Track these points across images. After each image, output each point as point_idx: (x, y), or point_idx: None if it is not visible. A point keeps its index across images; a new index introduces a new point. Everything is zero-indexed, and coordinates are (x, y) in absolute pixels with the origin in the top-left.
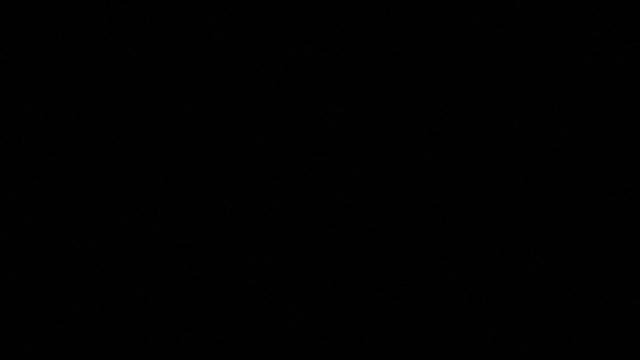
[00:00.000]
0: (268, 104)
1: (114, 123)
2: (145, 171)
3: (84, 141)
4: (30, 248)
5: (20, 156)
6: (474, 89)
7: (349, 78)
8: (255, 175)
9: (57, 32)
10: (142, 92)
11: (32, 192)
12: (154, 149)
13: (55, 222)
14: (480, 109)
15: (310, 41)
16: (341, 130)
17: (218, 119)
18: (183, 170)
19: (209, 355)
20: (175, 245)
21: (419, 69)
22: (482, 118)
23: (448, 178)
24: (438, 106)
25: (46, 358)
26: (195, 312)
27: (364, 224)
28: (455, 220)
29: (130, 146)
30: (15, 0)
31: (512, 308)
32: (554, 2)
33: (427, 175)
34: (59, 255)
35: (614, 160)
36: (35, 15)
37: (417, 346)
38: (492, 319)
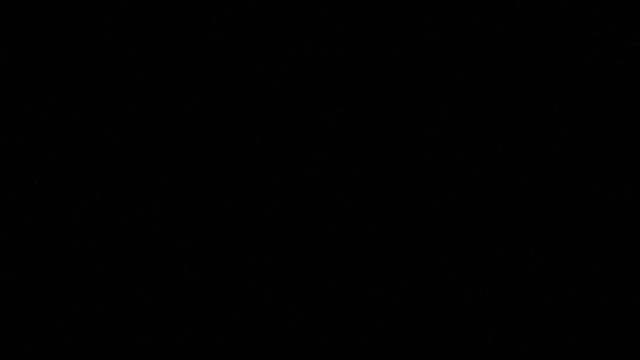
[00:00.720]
0: (268, 104)
1: (114, 123)
2: (145, 171)
3: (84, 141)
4: (30, 248)
5: (20, 156)
6: (474, 89)
7: (349, 78)
8: (255, 175)
9: (57, 32)
10: (142, 92)
11: (32, 192)
12: (154, 149)
13: (55, 222)
14: (480, 109)
15: (310, 41)
16: (341, 130)
17: (218, 119)
18: (183, 170)
19: (209, 355)
20: (175, 245)
21: (419, 69)
22: (482, 118)
23: (448, 178)
24: (438, 106)
25: (46, 358)
26: (195, 312)
27: (364, 224)
28: (455, 220)
29: (130, 146)
30: (15, 0)
31: (512, 308)
32: (554, 2)
33: (427, 175)
34: (59, 255)
35: (614, 160)
36: (35, 15)
37: (417, 346)
38: (492, 319)
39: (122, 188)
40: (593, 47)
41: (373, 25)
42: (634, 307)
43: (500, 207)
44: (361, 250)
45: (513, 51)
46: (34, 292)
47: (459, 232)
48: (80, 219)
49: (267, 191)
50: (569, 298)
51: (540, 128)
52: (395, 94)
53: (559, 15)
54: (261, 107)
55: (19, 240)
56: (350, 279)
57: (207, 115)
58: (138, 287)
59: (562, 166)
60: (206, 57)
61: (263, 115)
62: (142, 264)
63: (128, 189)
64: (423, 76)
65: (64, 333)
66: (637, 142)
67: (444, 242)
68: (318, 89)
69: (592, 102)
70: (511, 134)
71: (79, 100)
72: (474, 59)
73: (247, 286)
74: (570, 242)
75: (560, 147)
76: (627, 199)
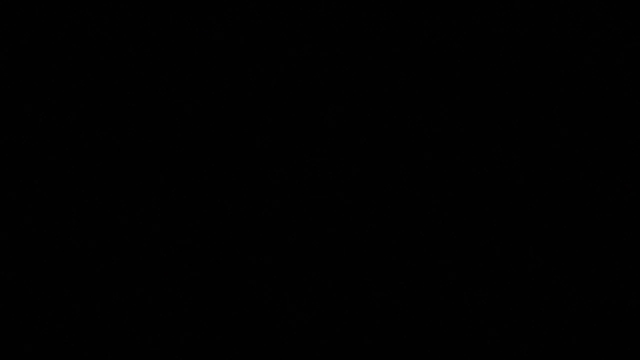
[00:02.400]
0: (268, 104)
1: (114, 123)
2: (145, 171)
3: (84, 141)
4: (30, 248)
5: (20, 156)
6: (474, 89)
7: (349, 78)
8: (255, 175)
9: (57, 32)
10: (142, 92)
11: (32, 192)
12: (154, 149)
13: (55, 222)
14: (480, 109)
15: (310, 41)
16: (341, 130)
17: (218, 119)
18: (183, 170)
19: (209, 355)
20: (175, 245)
21: (419, 69)
22: (482, 118)
23: (448, 178)
24: (438, 106)
25: (46, 358)
26: (195, 312)
27: (364, 224)
28: (455, 220)
29: (130, 146)
30: (15, 0)
31: (512, 308)
32: (554, 2)
33: (427, 175)
34: (59, 255)
35: (614, 160)
36: (35, 15)
37: (417, 346)
38: (492, 319)
39: (122, 188)
40: (593, 47)
41: (373, 25)
42: (634, 307)
43: (500, 207)
44: (361, 250)
45: (513, 51)
46: (34, 292)
47: (459, 232)
48: (80, 219)
49: (267, 191)
50: (569, 298)
51: (540, 128)
52: (395, 94)
53: (559, 15)
54: (261, 107)
55: (19, 240)
56: (350, 279)
57: (207, 115)
58: (138, 287)
59: (562, 166)
60: (206, 57)
61: (263, 115)
62: (142, 264)
63: (128, 189)
64: (423, 76)
65: (64, 333)
66: (637, 142)
67: (444, 242)
68: (318, 89)
69: (592, 102)
70: (511, 134)
71: (79, 100)
72: (474, 59)
73: (247, 286)
74: (570, 242)
75: (560, 147)
76: (627, 199)
